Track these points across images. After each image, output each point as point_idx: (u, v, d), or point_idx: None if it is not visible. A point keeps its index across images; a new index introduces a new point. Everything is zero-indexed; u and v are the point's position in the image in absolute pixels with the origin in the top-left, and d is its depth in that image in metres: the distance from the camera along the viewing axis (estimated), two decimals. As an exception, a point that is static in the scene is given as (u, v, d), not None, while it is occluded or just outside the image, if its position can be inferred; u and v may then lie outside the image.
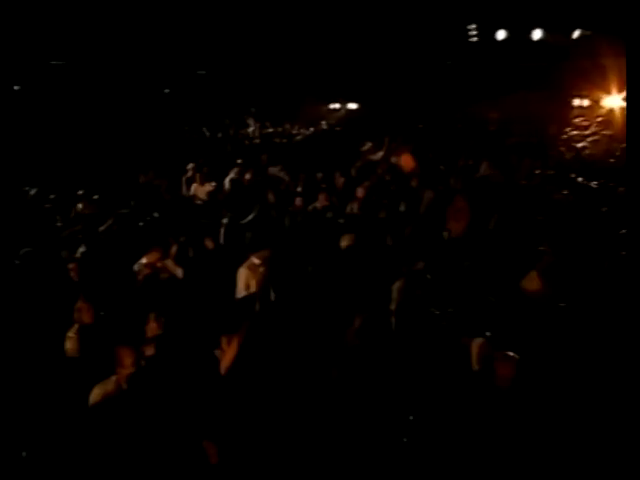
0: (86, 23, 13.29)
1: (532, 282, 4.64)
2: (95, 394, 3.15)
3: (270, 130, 17.59)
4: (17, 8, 12.20)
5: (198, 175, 8.64)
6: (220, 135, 16.12)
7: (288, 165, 9.74)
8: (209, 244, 5.83)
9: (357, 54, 15.74)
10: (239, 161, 9.56)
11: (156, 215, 7.07)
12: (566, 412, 3.18)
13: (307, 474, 2.74)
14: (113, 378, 3.18)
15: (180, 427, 2.77)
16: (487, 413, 3.01)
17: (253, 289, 4.46)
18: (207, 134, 15.95)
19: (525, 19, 13.46)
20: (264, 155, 10.69)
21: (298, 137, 16.14)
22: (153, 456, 2.58)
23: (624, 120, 11.30)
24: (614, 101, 12.73)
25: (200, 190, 8.36)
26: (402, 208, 6.68)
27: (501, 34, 14.03)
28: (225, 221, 6.43)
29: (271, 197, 7.29)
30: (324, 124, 18.03)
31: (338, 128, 16.98)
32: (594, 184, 8.03)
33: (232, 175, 8.93)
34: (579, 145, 11.78)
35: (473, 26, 14.93)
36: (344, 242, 5.34)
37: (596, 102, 13.93)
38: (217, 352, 3.23)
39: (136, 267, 5.17)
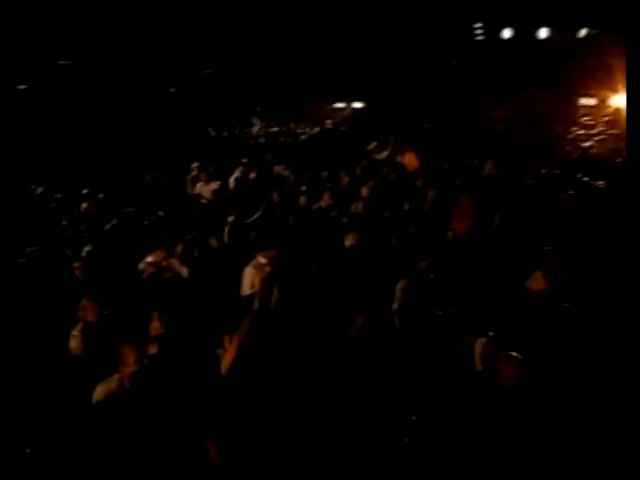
0: (92, 23, 13.33)
1: (537, 282, 4.62)
2: (98, 392, 3.17)
3: (275, 129, 17.60)
4: (23, 8, 12.25)
5: (203, 174, 8.65)
6: (225, 134, 16.14)
7: (293, 164, 9.75)
8: (213, 243, 5.84)
9: (362, 53, 15.72)
10: (244, 160, 9.57)
11: (161, 214, 7.09)
12: (569, 412, 3.16)
13: (308, 474, 2.74)
14: (116, 376, 3.20)
15: (181, 426, 2.78)
16: (490, 413, 3.00)
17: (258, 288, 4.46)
18: (212, 133, 15.98)
19: (531, 18, 13.40)
20: (269, 154, 10.70)
21: (303, 136, 16.13)
22: (154, 454, 2.59)
23: (631, 119, 11.19)
24: (621, 100, 12.66)
25: (205, 189, 8.37)
26: (406, 207, 6.67)
27: (507, 33, 13.97)
28: (230, 220, 6.44)
29: (275, 196, 7.29)
30: (329, 123, 18.02)
31: (343, 127, 16.96)
32: (600, 184, 7.99)
33: (237, 174, 8.94)
34: (585, 144, 11.73)
35: (479, 25, 14.86)
36: (348, 241, 5.33)
37: (602, 101, 13.85)
38: (220, 351, 3.23)
39: (141, 266, 5.19)
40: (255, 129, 17.32)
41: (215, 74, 17.38)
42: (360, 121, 16.65)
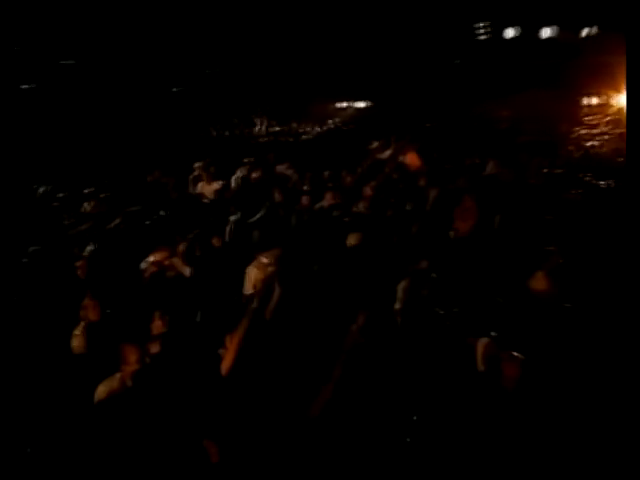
0: (95, 22, 13.37)
1: (539, 282, 4.60)
2: (100, 391, 3.18)
3: (278, 129, 17.61)
4: (26, 7, 12.29)
5: (205, 174, 8.65)
6: (228, 134, 16.16)
7: (296, 164, 9.74)
8: (216, 242, 5.84)
9: (365, 52, 15.71)
10: (246, 160, 9.57)
11: (163, 213, 7.10)
12: (572, 413, 3.15)
13: (309, 474, 2.73)
14: (118, 375, 3.21)
15: (182, 425, 2.78)
16: (492, 414, 2.99)
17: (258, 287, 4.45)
18: (215, 133, 16.00)
19: (535, 17, 13.37)
20: (271, 154, 10.70)
21: (306, 136, 16.13)
22: (155, 453, 2.59)
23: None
24: (624, 99, 12.61)
25: (207, 189, 8.37)
26: (409, 207, 6.65)
27: (510, 32, 13.94)
28: (232, 219, 6.44)
29: (278, 196, 7.28)
30: (332, 123, 18.01)
31: (346, 127, 16.95)
32: (603, 183, 7.95)
33: (239, 174, 8.94)
34: (589, 144, 11.69)
35: (482, 24, 14.84)
36: (350, 241, 5.33)
37: (607, 100, 13.81)
38: (221, 351, 3.23)
39: (143, 265, 5.19)
40: (257, 129, 17.33)
41: (218, 74, 17.40)
42: (363, 120, 16.64)
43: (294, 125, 17.99)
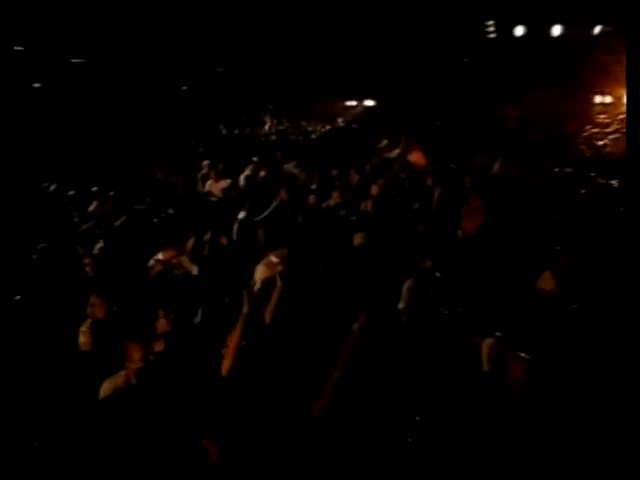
0: (105, 21, 13.44)
1: (546, 282, 4.57)
2: (105, 388, 3.21)
3: (286, 127, 17.63)
4: (37, 7, 12.39)
5: (213, 172, 8.69)
6: (236, 132, 16.20)
7: (304, 162, 9.75)
8: (223, 241, 5.87)
9: (374, 51, 15.67)
10: (254, 158, 9.59)
11: (171, 211, 7.14)
12: (578, 414, 3.13)
13: (309, 474, 2.73)
14: (123, 372, 3.24)
15: (183, 424, 2.79)
16: (496, 414, 2.97)
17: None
18: (223, 131, 16.05)
19: (544, 15, 13.25)
20: (279, 152, 10.72)
21: (314, 134, 16.13)
22: (156, 451, 2.61)
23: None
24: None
25: (215, 187, 8.41)
26: (416, 206, 6.63)
27: (519, 30, 13.83)
28: (239, 218, 6.46)
29: (284, 194, 7.29)
30: (340, 121, 18.00)
31: (354, 125, 16.93)
32: (614, 183, 7.86)
33: (247, 172, 8.97)
34: (600, 143, 11.55)
35: (491, 22, 14.74)
36: (357, 240, 5.32)
37: (617, 99, 13.65)
38: (224, 350, 3.24)
39: (150, 263, 5.22)
40: (266, 127, 17.36)
41: (226, 72, 17.45)
42: (371, 119, 16.60)
43: (303, 123, 18.00)
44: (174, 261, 5.15)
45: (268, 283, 4.06)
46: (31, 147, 11.34)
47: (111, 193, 7.61)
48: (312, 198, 7.10)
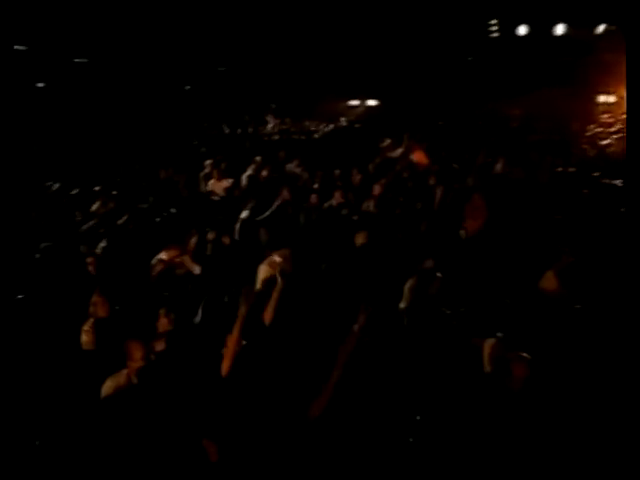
0: (108, 21, 13.47)
1: (549, 282, 4.56)
2: (107, 386, 3.22)
3: (289, 127, 17.62)
4: (41, 7, 12.42)
5: (215, 171, 8.69)
6: (239, 131, 16.20)
7: (306, 162, 9.74)
8: (225, 240, 5.87)
9: (377, 50, 15.66)
10: (257, 158, 9.59)
11: (173, 211, 7.15)
12: (580, 415, 3.12)
13: (310, 474, 2.73)
14: (124, 371, 3.24)
15: (183, 423, 2.80)
16: (497, 414, 2.97)
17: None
18: (226, 130, 16.06)
19: (547, 14, 13.20)
20: (282, 152, 10.72)
21: (317, 134, 16.12)
22: (157, 450, 2.62)
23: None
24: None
25: (217, 186, 8.41)
26: (418, 206, 6.62)
27: (523, 29, 13.78)
28: (241, 217, 6.46)
29: (286, 194, 7.29)
30: (343, 120, 17.98)
31: (357, 125, 16.91)
32: (618, 183, 7.83)
33: (249, 171, 8.97)
34: (603, 143, 11.51)
35: (494, 21, 14.70)
36: (358, 240, 5.31)
37: (621, 98, 13.59)
38: (224, 350, 3.23)
39: (153, 262, 5.23)
40: (269, 126, 17.35)
41: (229, 71, 17.46)
42: (374, 118, 16.58)
43: (305, 123, 17.99)
44: (176, 260, 5.16)
45: (269, 282, 4.06)
46: (34, 146, 11.37)
47: (114, 192, 7.62)
48: (314, 197, 7.10)
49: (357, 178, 8.25)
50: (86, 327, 3.91)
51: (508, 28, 14.18)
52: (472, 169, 8.16)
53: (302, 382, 2.88)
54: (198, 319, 4.00)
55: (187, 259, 5.18)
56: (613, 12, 12.02)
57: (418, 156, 9.03)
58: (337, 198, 7.01)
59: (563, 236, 5.32)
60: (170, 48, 15.00)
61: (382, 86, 17.19)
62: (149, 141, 12.84)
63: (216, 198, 8.07)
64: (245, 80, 17.15)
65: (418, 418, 3.10)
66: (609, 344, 3.59)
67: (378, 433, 2.97)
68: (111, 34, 13.80)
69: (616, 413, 3.12)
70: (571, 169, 8.72)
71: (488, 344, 3.43)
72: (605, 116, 13.89)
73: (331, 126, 17.24)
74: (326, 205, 6.99)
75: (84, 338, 3.88)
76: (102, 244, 5.78)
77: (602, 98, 14.31)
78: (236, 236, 6.18)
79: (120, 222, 6.49)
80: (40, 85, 15.08)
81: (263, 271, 4.66)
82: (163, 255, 5.24)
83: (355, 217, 6.41)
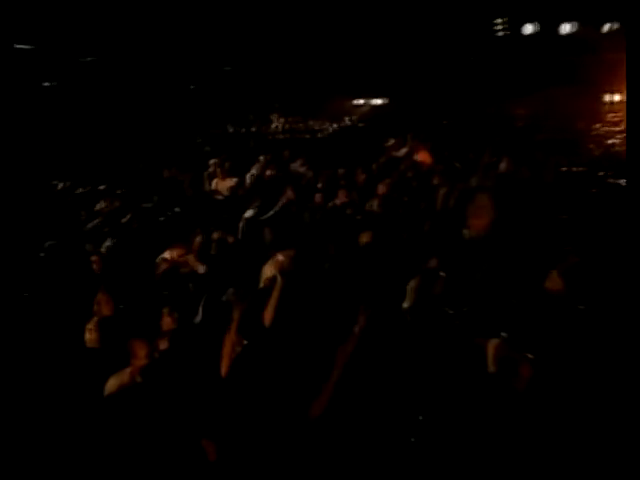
0: (114, 20, 13.51)
1: (554, 283, 4.53)
2: (110, 384, 3.24)
3: (294, 126, 17.63)
4: (47, 6, 12.47)
5: (220, 170, 8.70)
6: (244, 130, 16.23)
7: (310, 161, 9.74)
8: (230, 239, 5.88)
9: (382, 49, 15.63)
10: (261, 157, 9.60)
11: (177, 210, 7.17)
12: (584, 416, 3.10)
13: (311, 474, 2.73)
14: (128, 370, 3.26)
15: (184, 423, 2.80)
16: (500, 415, 2.96)
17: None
18: (230, 130, 16.08)
19: (553, 12, 13.14)
20: (286, 151, 10.72)
21: (321, 133, 16.12)
22: (158, 448, 2.62)
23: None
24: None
25: (222, 185, 8.42)
26: (422, 206, 6.60)
27: (528, 28, 13.72)
28: (245, 216, 6.47)
29: (291, 193, 7.28)
30: (348, 120, 17.97)
31: (362, 124, 16.90)
32: (624, 182, 7.78)
33: (254, 171, 8.98)
34: (609, 142, 11.46)
35: (500, 20, 14.64)
36: (362, 239, 5.31)
37: (628, 97, 13.49)
38: (223, 350, 3.23)
39: (158, 261, 5.24)
40: (273, 126, 17.37)
41: (234, 70, 17.48)
42: (379, 118, 16.56)
43: (310, 122, 17.99)
44: (181, 259, 5.17)
45: (271, 282, 4.06)
46: (39, 145, 11.42)
47: (118, 191, 7.65)
48: (318, 197, 7.09)
49: (361, 177, 8.23)
50: (90, 325, 3.93)
51: (513, 27, 14.13)
52: (477, 168, 8.13)
53: (302, 381, 2.88)
54: (199, 318, 4.01)
55: (191, 258, 5.20)
56: (619, 11, 11.95)
57: (422, 156, 9.01)
58: (341, 197, 6.99)
59: (569, 236, 5.29)
60: (175, 47, 15.03)
61: (387, 85, 17.16)
62: (153, 140, 12.88)
63: (220, 197, 8.08)
64: (249, 79, 17.16)
65: (420, 418, 3.09)
66: (615, 345, 3.57)
67: (380, 433, 2.97)
68: (116, 33, 13.85)
69: (622, 414, 3.11)
70: (577, 168, 8.68)
71: (492, 344, 3.41)
72: (611, 115, 13.81)
73: (335, 125, 17.24)
74: (330, 204, 6.98)
75: (88, 336, 3.91)
76: (107, 243, 5.80)
77: (608, 97, 14.22)
78: (240, 235, 6.19)
79: (124, 221, 6.51)
80: (46, 84, 15.15)
81: (268, 271, 4.66)
82: (167, 254, 5.26)
83: (359, 216, 6.40)
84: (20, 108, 12.72)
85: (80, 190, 7.87)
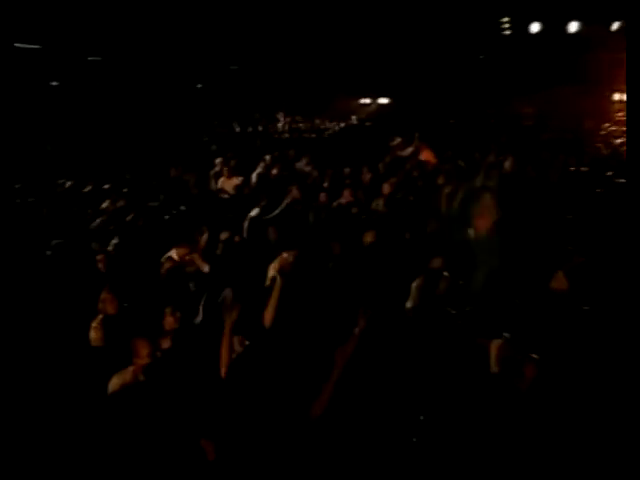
0: (120, 21, 13.56)
1: (559, 283, 4.51)
2: (113, 383, 3.26)
3: (300, 125, 17.65)
4: (54, 6, 12.54)
5: (225, 169, 8.72)
6: (250, 129, 16.25)
7: (316, 160, 9.74)
8: (235, 238, 5.88)
9: (388, 49, 15.60)
10: (267, 156, 9.61)
11: (183, 209, 7.19)
12: (587, 416, 3.09)
13: (311, 474, 2.73)
14: (131, 368, 3.28)
15: (184, 422, 2.81)
16: (502, 415, 2.95)
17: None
18: (237, 129, 16.12)
19: (560, 11, 13.05)
20: (291, 150, 10.73)
21: (327, 132, 16.11)
22: (160, 447, 2.63)
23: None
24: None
25: (227, 184, 8.44)
26: (427, 205, 6.58)
27: (535, 27, 13.64)
28: (250, 215, 6.47)
29: (296, 192, 7.28)
30: (354, 119, 17.96)
31: (368, 123, 16.87)
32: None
33: (259, 169, 9.00)
34: (617, 141, 11.36)
35: (506, 19, 14.57)
36: (367, 239, 5.30)
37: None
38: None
39: (163, 260, 5.26)
40: (279, 125, 17.39)
41: (240, 70, 17.51)
42: (385, 117, 16.54)
43: (316, 121, 18.00)
44: (186, 258, 5.18)
45: (271, 281, 4.06)
46: (46, 144, 11.50)
47: (124, 190, 7.68)
48: (323, 196, 7.09)
49: (367, 177, 8.22)
50: (95, 324, 3.95)
51: (520, 26, 14.05)
52: (482, 168, 8.09)
53: (303, 381, 2.88)
54: (199, 318, 4.03)
55: (197, 257, 5.20)
56: (626, 9, 11.84)
57: (428, 155, 8.99)
58: (346, 197, 6.98)
59: (574, 236, 5.27)
60: (181, 47, 15.08)
61: (393, 84, 17.13)
62: (160, 139, 12.92)
63: (226, 196, 8.10)
64: (256, 78, 17.18)
65: (422, 418, 3.09)
66: (619, 346, 3.55)
67: (381, 433, 2.97)
68: (123, 33, 13.90)
69: (626, 413, 3.09)
70: (584, 168, 8.62)
71: (495, 344, 3.40)
72: (619, 114, 13.70)
73: (341, 124, 17.24)
74: (335, 204, 6.97)
75: (93, 334, 3.93)
76: (112, 242, 5.83)
77: (616, 96, 14.10)
78: (245, 234, 6.20)
79: (130, 220, 6.53)
80: (54, 84, 15.25)
81: (273, 270, 4.66)
82: (173, 253, 5.27)
83: (364, 216, 6.39)
84: (27, 107, 12.81)
85: (86, 189, 7.91)
